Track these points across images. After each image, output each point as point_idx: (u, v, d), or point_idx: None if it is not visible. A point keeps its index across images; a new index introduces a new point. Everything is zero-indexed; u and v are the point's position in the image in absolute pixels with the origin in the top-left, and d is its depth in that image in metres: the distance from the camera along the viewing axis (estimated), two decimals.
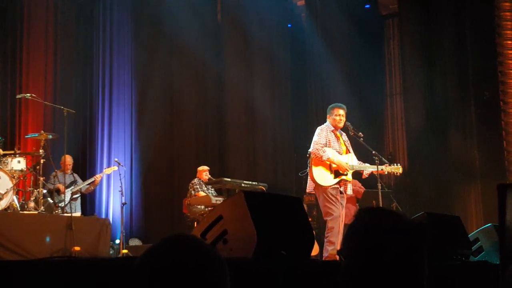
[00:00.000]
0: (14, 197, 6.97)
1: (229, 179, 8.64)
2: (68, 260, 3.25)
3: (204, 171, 8.89)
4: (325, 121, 6.34)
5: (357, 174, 6.57)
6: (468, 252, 5.00)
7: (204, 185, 8.79)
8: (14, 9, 9.68)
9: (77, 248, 6.36)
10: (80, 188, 8.44)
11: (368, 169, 6.33)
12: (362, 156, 6.54)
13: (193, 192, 8.67)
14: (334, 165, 6.03)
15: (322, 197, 6.00)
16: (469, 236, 5.36)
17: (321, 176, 6.01)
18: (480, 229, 5.75)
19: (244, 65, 11.06)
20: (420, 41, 9.97)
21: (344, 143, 6.30)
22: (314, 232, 5.30)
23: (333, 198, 5.95)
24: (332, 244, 5.77)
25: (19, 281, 2.44)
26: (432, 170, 9.51)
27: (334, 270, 3.20)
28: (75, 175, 8.69)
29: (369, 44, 10.76)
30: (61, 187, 7.96)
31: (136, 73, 10.76)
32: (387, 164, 6.40)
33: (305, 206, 7.53)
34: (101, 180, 9.06)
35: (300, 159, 9.16)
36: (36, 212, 7.03)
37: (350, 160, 6.17)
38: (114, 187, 9.90)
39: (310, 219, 5.42)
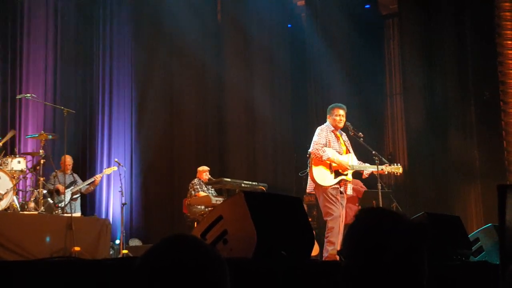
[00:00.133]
0: (14, 198, 6.97)
1: (229, 179, 8.63)
2: (68, 261, 3.25)
3: (204, 172, 8.89)
4: (325, 121, 6.34)
5: (357, 174, 6.57)
6: (468, 252, 5.00)
7: (204, 185, 8.79)
8: (14, 9, 9.68)
9: (77, 248, 6.36)
10: (80, 188, 8.44)
11: (368, 169, 6.33)
12: (362, 156, 6.54)
13: (193, 192, 8.67)
14: (334, 165, 6.03)
15: (322, 197, 6.00)
16: (469, 236, 5.35)
17: (321, 176, 6.01)
18: (480, 229, 5.74)
19: (244, 65, 11.05)
20: (420, 41, 9.97)
21: (344, 143, 6.30)
22: (314, 232, 5.30)
23: (333, 198, 5.95)
24: (332, 244, 5.77)
25: (19, 282, 2.44)
26: (432, 170, 9.51)
27: (334, 270, 3.20)
28: (75, 175, 8.69)
29: (369, 44, 10.75)
30: (61, 187, 7.95)
31: (136, 73, 10.77)
32: (387, 164, 6.40)
33: (305, 206, 7.53)
34: (101, 180, 9.06)
35: (300, 159, 9.16)
36: (36, 212, 7.03)
37: (350, 160, 6.17)
38: (114, 187, 9.91)
39: (310, 219, 5.42)
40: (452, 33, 9.51)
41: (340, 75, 10.37)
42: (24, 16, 9.80)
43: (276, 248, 3.41)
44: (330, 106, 6.38)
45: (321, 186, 5.99)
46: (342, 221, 5.96)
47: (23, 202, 7.31)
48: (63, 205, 7.75)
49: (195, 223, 8.03)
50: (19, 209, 7.02)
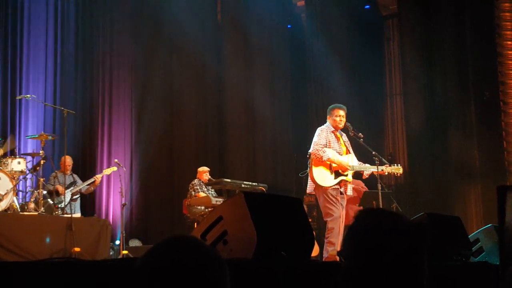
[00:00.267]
0: (14, 198, 6.97)
1: (229, 180, 8.64)
2: (68, 261, 3.25)
3: (204, 172, 8.90)
4: (325, 122, 6.34)
5: (357, 175, 6.57)
6: (468, 252, 5.00)
7: (204, 186, 8.79)
8: (14, 9, 9.69)
9: (77, 249, 6.36)
10: (80, 189, 8.43)
11: (368, 169, 6.33)
12: (362, 156, 6.54)
13: (193, 192, 8.67)
14: (334, 165, 6.03)
15: (322, 197, 6.00)
16: (469, 236, 5.35)
17: (321, 176, 6.00)
18: (480, 230, 5.74)
19: (244, 65, 11.05)
20: (420, 41, 9.96)
21: (344, 144, 6.30)
22: (314, 233, 5.30)
23: (333, 199, 5.95)
24: (332, 245, 5.76)
25: (19, 282, 2.44)
26: (432, 170, 9.51)
27: (334, 271, 3.20)
28: (75, 175, 8.69)
29: (369, 44, 10.75)
30: (60, 188, 7.95)
31: (136, 73, 10.77)
32: (387, 165, 6.39)
33: (305, 206, 7.53)
34: (101, 181, 9.06)
35: (300, 159, 9.15)
36: (36, 213, 7.03)
37: (350, 161, 6.16)
38: (114, 188, 9.91)
39: (310, 220, 5.42)
40: (452, 33, 9.51)
41: (340, 75, 10.37)
42: (24, 16, 9.81)
43: (276, 248, 3.41)
44: (330, 106, 6.38)
45: (321, 186, 5.99)
46: (342, 221, 5.96)
47: (23, 203, 7.32)
48: (63, 206, 7.75)
49: (195, 223, 8.03)
50: (19, 210, 7.03)
